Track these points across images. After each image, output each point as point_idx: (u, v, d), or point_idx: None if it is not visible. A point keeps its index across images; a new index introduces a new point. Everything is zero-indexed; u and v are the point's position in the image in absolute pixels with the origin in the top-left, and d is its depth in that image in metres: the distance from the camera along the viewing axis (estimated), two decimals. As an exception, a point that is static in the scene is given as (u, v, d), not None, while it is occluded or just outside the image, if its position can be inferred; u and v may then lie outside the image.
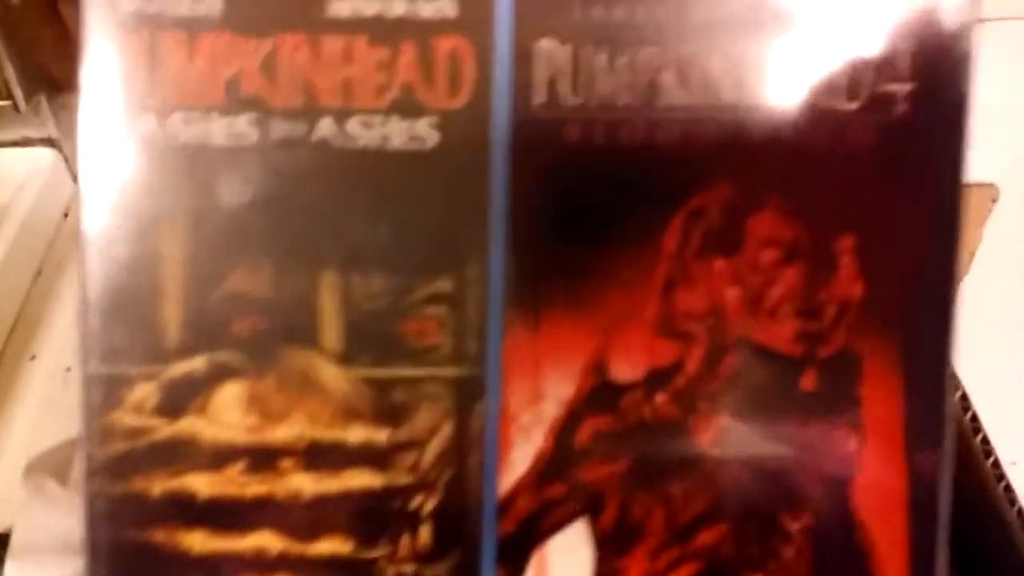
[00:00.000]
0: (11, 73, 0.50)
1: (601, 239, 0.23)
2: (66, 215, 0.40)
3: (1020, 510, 0.35)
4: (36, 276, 0.41)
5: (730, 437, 0.23)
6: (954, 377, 0.38)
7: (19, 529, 0.33)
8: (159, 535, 0.24)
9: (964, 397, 0.38)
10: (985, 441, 0.37)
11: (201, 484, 0.24)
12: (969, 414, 0.38)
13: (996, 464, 0.37)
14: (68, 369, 0.40)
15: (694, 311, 0.23)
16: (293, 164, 0.23)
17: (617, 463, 0.24)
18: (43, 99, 0.41)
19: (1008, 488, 0.36)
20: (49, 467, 0.33)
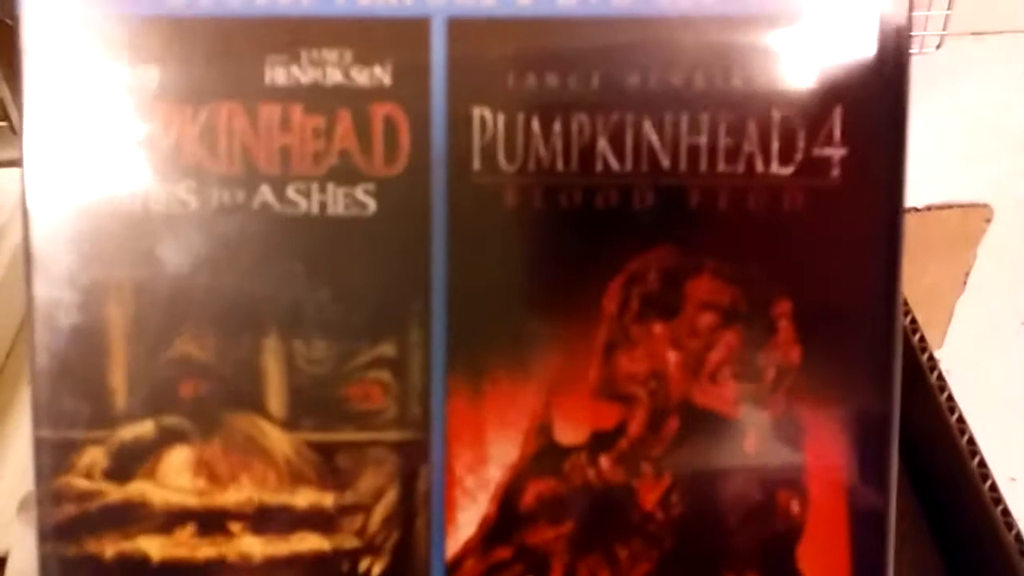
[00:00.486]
0: (6, 93, 0.50)
1: (542, 303, 0.23)
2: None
3: (1018, 534, 0.35)
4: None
5: (674, 499, 0.23)
6: (950, 399, 0.38)
7: (14, 558, 0.34)
8: (112, 597, 0.24)
9: (961, 419, 0.38)
10: (982, 464, 0.37)
11: (153, 547, 0.24)
12: (966, 437, 0.38)
13: (993, 488, 0.36)
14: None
15: (635, 374, 0.23)
16: (233, 230, 0.23)
17: (563, 526, 0.24)
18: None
19: (1006, 512, 0.36)
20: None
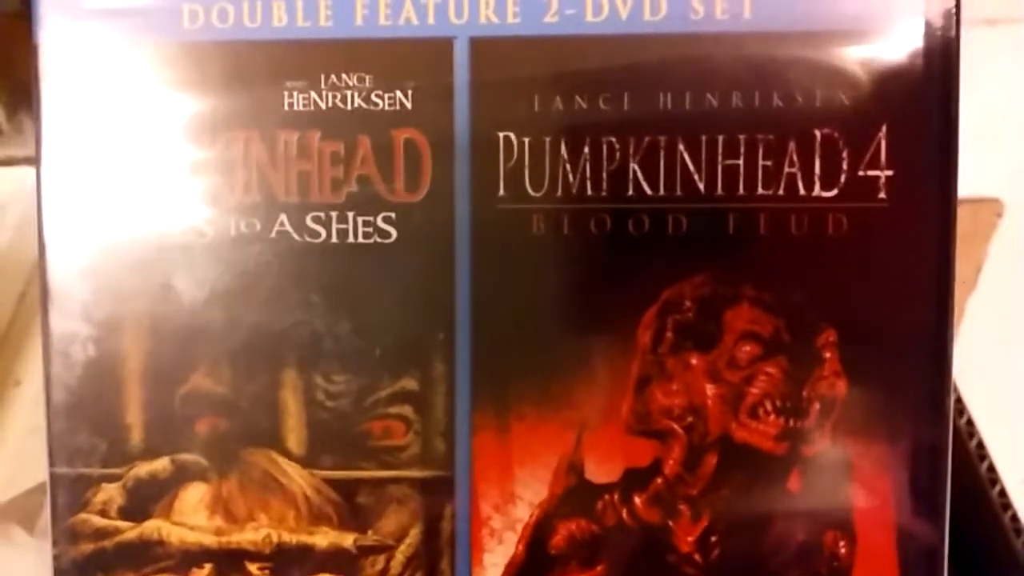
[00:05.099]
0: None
1: (571, 334, 0.22)
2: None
3: (1027, 539, 0.33)
4: (21, 299, 0.40)
5: (713, 540, 0.22)
6: (959, 402, 0.36)
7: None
8: (127, 639, 0.23)
9: (970, 423, 0.36)
10: (991, 469, 0.35)
11: (168, 587, 0.23)
12: (975, 440, 0.36)
13: (1003, 493, 0.35)
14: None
15: (671, 408, 0.22)
16: (251, 260, 0.23)
17: (594, 568, 0.22)
18: (25, 118, 0.41)
19: (1015, 518, 0.34)
20: (17, 515, 0.33)
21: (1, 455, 0.39)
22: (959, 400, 0.36)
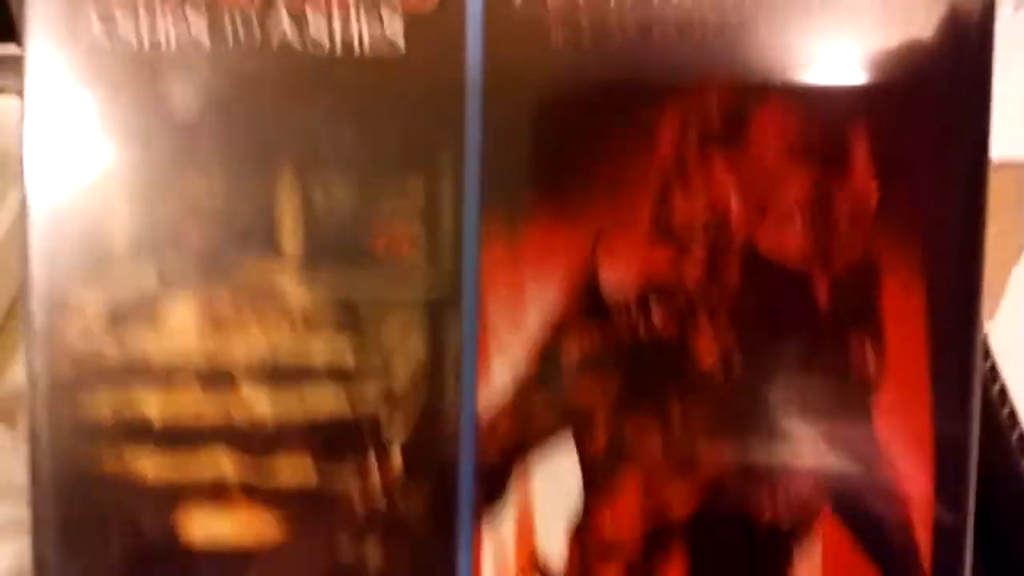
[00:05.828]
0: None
1: (587, 136, 0.21)
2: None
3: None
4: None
5: (736, 357, 0.21)
6: (996, 375, 0.35)
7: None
8: (109, 462, 0.22)
9: (993, 368, 0.36)
10: (1012, 416, 0.34)
11: (154, 406, 0.22)
12: (998, 386, 0.35)
13: (1021, 438, 0.34)
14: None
15: (693, 215, 0.21)
16: (250, 71, 0.21)
17: (608, 383, 0.21)
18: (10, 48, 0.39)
19: None
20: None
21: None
22: (993, 368, 0.35)
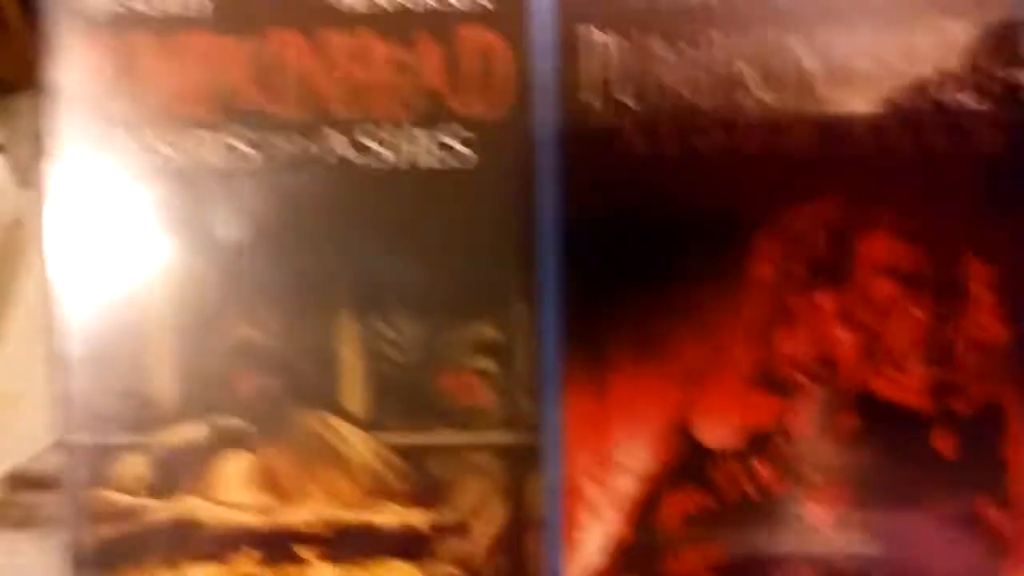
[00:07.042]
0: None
1: (675, 269, 0.19)
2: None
3: None
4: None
5: (854, 515, 0.19)
6: None
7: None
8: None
9: None
10: None
11: (204, 579, 0.20)
12: None
13: None
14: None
15: (797, 357, 0.19)
16: (302, 188, 0.20)
17: (714, 550, 0.19)
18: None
19: None
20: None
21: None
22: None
